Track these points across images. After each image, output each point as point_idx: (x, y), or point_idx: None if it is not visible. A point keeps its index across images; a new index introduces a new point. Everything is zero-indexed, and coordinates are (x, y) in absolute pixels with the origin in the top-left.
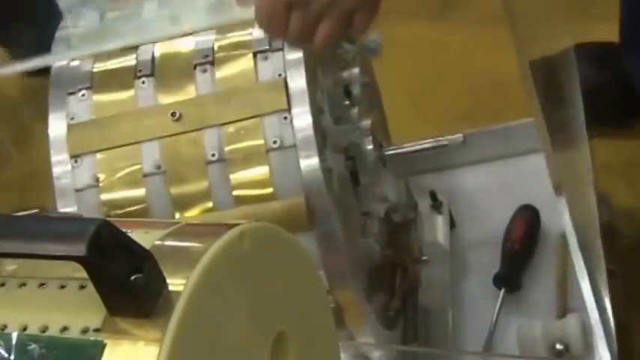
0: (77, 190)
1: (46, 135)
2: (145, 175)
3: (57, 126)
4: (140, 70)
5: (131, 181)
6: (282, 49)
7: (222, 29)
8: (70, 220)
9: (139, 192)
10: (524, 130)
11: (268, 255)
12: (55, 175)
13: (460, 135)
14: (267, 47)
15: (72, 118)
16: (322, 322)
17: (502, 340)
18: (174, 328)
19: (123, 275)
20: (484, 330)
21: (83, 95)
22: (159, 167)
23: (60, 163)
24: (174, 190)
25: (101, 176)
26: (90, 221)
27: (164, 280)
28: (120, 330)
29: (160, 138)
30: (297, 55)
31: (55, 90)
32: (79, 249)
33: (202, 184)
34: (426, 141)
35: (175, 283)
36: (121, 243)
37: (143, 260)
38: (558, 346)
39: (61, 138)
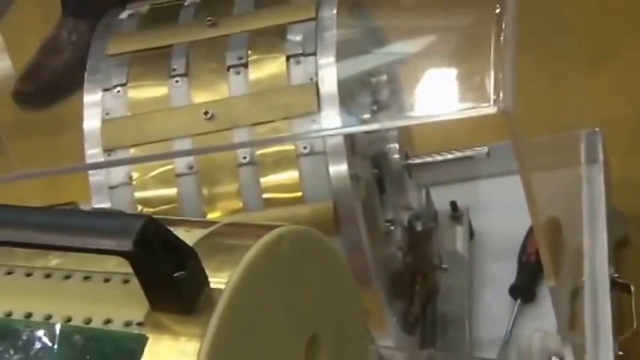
0: (111, 187)
1: (81, 129)
2: (178, 175)
3: (92, 122)
4: (175, 70)
5: (164, 181)
6: (314, 54)
7: (257, 32)
8: (117, 215)
9: (172, 191)
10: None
11: (306, 257)
12: (90, 174)
13: (485, 147)
14: (300, 51)
15: (107, 114)
16: (354, 325)
17: (517, 346)
18: (215, 326)
19: (167, 271)
20: (499, 338)
21: (118, 92)
22: (191, 168)
23: (93, 157)
24: (206, 191)
25: (135, 174)
26: (137, 217)
27: (206, 277)
28: (162, 325)
29: (192, 136)
30: (330, 59)
31: (91, 85)
32: (126, 244)
33: (233, 186)
34: (451, 152)
35: (217, 282)
36: (166, 240)
37: (187, 258)
38: (554, 359)
39: (95, 132)
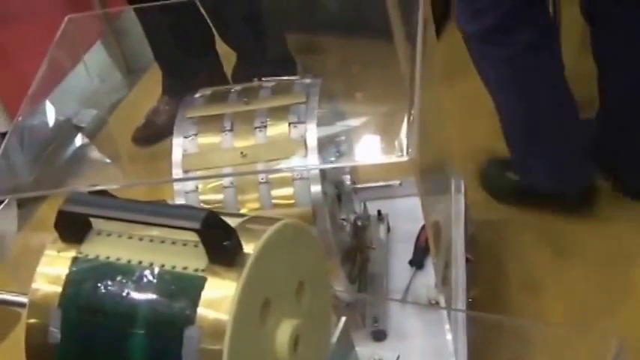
0: (186, 192)
1: (169, 160)
2: (224, 187)
3: (177, 154)
4: (224, 127)
5: (216, 190)
6: (305, 122)
7: (272, 108)
8: (191, 208)
9: (220, 197)
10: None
11: (298, 237)
12: (174, 184)
13: (398, 181)
14: (297, 120)
15: (185, 150)
16: (323, 277)
17: (411, 295)
18: (245, 274)
19: (219, 241)
20: (402, 288)
21: (192, 139)
22: (232, 183)
23: (177, 175)
24: (240, 198)
25: (200, 186)
26: (203, 210)
27: (241, 246)
28: (215, 272)
29: (233, 166)
30: (313, 126)
31: (177, 133)
32: (197, 224)
33: (255, 196)
34: (379, 182)
35: (247, 248)
36: (219, 223)
37: (231, 233)
38: (432, 302)
39: (178, 161)
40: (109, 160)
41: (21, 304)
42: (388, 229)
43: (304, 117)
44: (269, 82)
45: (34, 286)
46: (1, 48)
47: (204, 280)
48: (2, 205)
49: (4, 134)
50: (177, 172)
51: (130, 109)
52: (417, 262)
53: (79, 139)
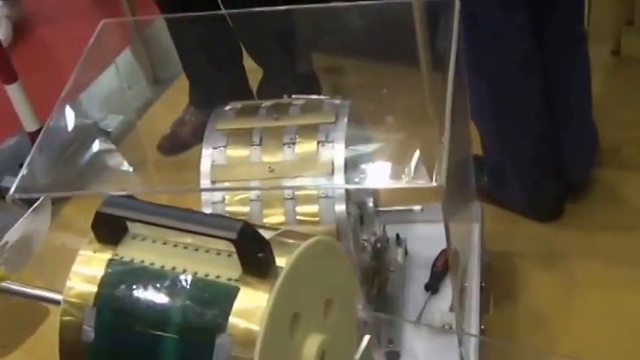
0: (213, 203)
1: (197, 170)
2: (251, 200)
3: (205, 165)
4: (254, 142)
5: (242, 203)
6: (332, 142)
7: (302, 126)
8: (227, 218)
9: (246, 209)
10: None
11: (328, 254)
12: (202, 194)
13: (420, 206)
14: (325, 139)
15: (214, 161)
16: (350, 295)
17: (425, 318)
18: (278, 286)
19: (253, 252)
20: (418, 311)
21: (221, 150)
22: (258, 197)
23: (204, 185)
24: (265, 212)
25: (227, 197)
26: (239, 220)
27: (274, 258)
28: (248, 282)
29: (260, 180)
30: (341, 146)
31: (207, 144)
32: (232, 235)
33: (281, 211)
34: (400, 206)
35: (280, 261)
36: (254, 234)
37: (265, 245)
38: (446, 326)
39: (207, 172)
40: (134, 166)
41: (54, 301)
42: (406, 253)
43: (333, 136)
44: (299, 100)
45: (69, 284)
46: (35, 50)
47: (237, 289)
48: (35, 205)
49: (32, 133)
50: (205, 183)
51: (158, 117)
52: (433, 286)
53: (103, 144)
